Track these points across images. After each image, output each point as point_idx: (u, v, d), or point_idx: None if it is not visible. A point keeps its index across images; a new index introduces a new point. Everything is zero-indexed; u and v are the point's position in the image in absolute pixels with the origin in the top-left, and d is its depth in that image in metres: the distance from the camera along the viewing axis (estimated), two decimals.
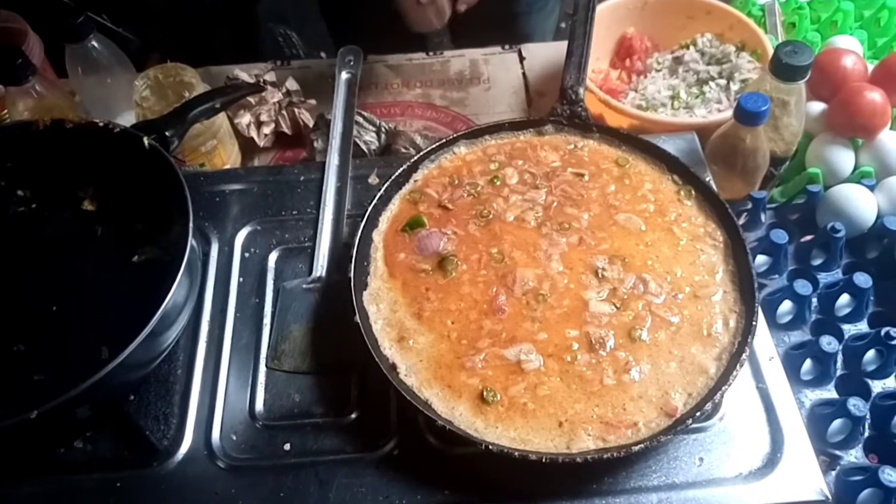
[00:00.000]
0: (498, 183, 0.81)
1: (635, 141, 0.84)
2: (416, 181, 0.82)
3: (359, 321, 0.69)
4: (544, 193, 0.80)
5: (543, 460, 0.62)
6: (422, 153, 0.83)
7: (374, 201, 0.78)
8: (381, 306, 0.72)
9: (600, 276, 0.73)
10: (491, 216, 0.78)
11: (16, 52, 0.88)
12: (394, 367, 0.68)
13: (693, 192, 0.80)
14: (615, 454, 0.62)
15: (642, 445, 0.62)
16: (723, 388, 0.65)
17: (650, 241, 0.76)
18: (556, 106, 0.86)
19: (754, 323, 0.69)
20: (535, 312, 0.71)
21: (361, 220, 0.77)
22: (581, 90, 0.86)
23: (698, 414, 0.64)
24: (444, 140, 0.84)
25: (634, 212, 0.78)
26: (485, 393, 0.66)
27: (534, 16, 1.41)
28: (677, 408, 0.65)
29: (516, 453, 0.62)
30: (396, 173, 0.81)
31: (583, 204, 0.79)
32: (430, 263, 0.75)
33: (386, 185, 0.79)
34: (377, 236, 0.77)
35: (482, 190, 0.81)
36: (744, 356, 0.67)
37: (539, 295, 0.72)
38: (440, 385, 0.67)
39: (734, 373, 0.66)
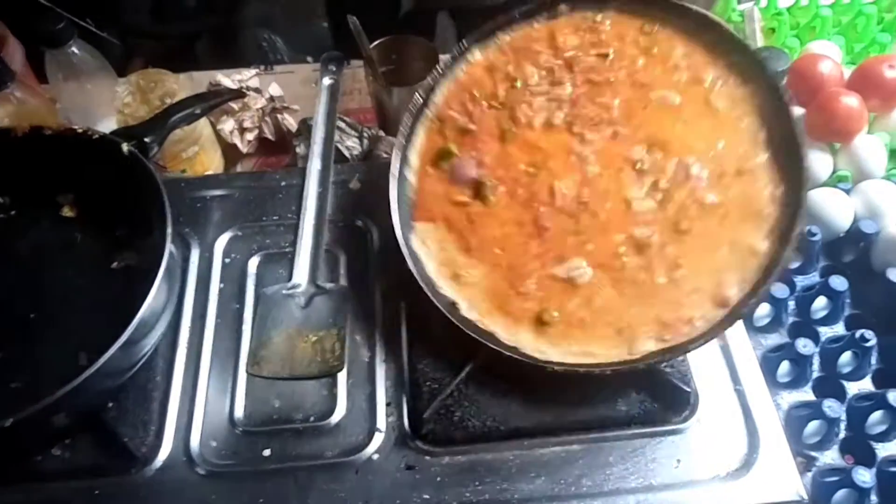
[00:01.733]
0: (519, 86, 0.76)
1: (660, 2, 0.76)
2: (435, 104, 0.78)
3: (412, 267, 0.69)
4: (569, 87, 0.75)
5: (608, 372, 0.63)
6: (435, 73, 0.77)
7: (403, 140, 0.75)
8: (431, 246, 0.71)
9: (639, 169, 0.71)
10: (517, 128, 0.75)
11: None
12: (454, 304, 0.68)
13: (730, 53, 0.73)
14: (675, 356, 0.63)
15: (701, 342, 0.62)
16: (776, 269, 0.63)
17: (688, 118, 0.72)
18: None
19: (803, 194, 0.65)
20: (579, 224, 0.70)
21: (397, 158, 0.74)
22: None
23: (752, 301, 0.63)
24: (456, 52, 0.78)
25: (668, 86, 0.73)
26: (544, 315, 0.66)
27: None
28: (730, 297, 0.65)
29: (581, 369, 0.63)
30: (415, 100, 0.76)
31: (611, 90, 0.74)
32: (467, 193, 0.73)
33: (410, 122, 0.76)
34: (412, 176, 0.75)
35: (504, 99, 0.76)
36: (796, 232, 0.64)
37: (580, 204, 0.70)
38: (500, 314, 0.67)
39: (788, 250, 0.64)
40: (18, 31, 1.05)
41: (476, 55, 0.79)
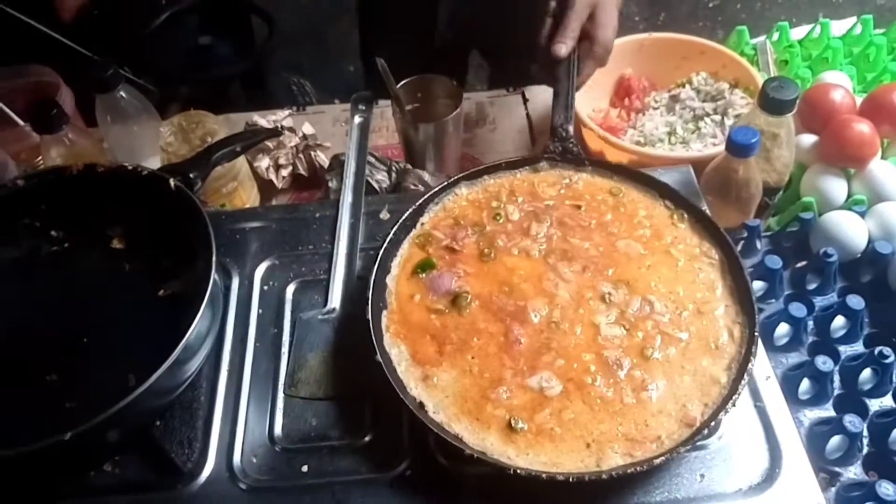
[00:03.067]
0: (501, 220, 0.84)
1: (626, 171, 0.88)
2: (422, 224, 0.85)
3: (383, 364, 0.72)
4: (546, 227, 0.83)
5: (571, 480, 0.64)
6: (425, 196, 0.86)
7: (385, 245, 0.81)
8: (402, 348, 0.75)
9: (607, 300, 0.76)
10: (497, 252, 0.81)
11: (51, 104, 0.95)
12: (422, 405, 0.71)
13: (685, 216, 0.83)
14: (641, 468, 0.64)
15: (665, 457, 0.65)
16: (734, 397, 0.68)
17: (650, 264, 0.79)
18: (548, 144, 0.90)
19: (756, 333, 0.71)
20: (551, 341, 0.74)
21: (373, 268, 0.79)
22: (570, 128, 0.90)
23: (713, 423, 0.67)
24: (446, 183, 0.87)
25: (632, 237, 0.82)
26: (512, 422, 0.69)
27: None
28: (696, 418, 0.68)
29: (544, 475, 0.64)
30: (403, 217, 0.83)
31: (583, 234, 0.83)
32: (443, 303, 0.78)
33: (394, 230, 0.82)
34: (391, 282, 0.80)
35: (486, 228, 0.84)
36: (750, 365, 0.69)
37: (552, 323, 0.75)
38: (468, 419, 0.70)
39: (743, 382, 0.69)
40: (69, 79, 1.12)
41: (463, 190, 0.88)
